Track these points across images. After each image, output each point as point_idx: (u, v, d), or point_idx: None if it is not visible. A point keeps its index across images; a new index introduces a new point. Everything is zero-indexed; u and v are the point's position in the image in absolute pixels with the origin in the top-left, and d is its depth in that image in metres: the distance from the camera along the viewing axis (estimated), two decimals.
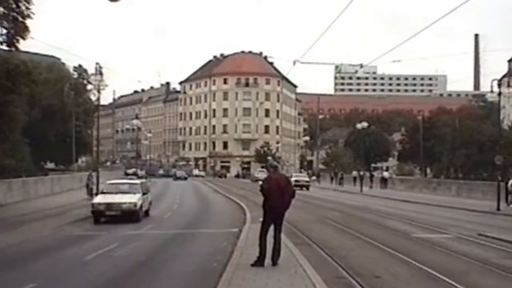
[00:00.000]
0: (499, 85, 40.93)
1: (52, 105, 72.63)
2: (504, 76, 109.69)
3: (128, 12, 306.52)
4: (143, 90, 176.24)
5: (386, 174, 74.96)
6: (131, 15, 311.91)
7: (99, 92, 41.99)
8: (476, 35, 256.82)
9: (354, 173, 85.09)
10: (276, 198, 14.02)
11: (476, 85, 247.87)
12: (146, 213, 30.62)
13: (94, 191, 40.53)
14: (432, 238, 21.84)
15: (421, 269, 14.99)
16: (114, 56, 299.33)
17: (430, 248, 19.29)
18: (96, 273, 15.28)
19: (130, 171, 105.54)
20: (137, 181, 32.07)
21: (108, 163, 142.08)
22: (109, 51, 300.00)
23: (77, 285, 14.19)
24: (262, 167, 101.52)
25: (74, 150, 72.66)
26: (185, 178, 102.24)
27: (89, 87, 78.76)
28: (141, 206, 28.72)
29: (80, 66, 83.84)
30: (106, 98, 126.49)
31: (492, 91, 42.40)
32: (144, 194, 29.97)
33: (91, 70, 55.31)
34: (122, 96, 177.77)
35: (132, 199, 28.38)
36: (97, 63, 39.55)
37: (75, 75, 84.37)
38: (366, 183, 69.64)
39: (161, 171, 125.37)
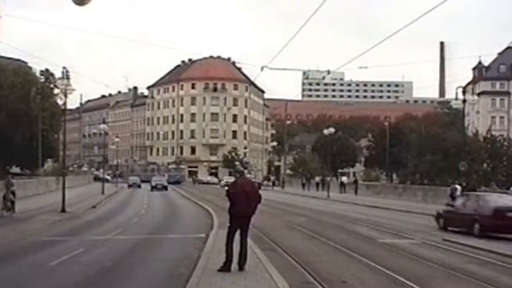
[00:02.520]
0: (464, 92, 41.55)
1: (18, 109, 71.78)
2: (468, 83, 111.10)
3: (96, 16, 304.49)
4: (110, 95, 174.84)
5: (344, 179, 75.99)
6: (98, 19, 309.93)
7: (66, 96, 41.53)
8: (442, 43, 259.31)
9: (317, 178, 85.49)
10: (242, 203, 14.06)
11: (442, 92, 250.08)
12: None
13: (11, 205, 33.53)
14: (398, 243, 22.03)
15: (387, 274, 15.11)
16: (82, 60, 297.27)
17: (396, 253, 19.47)
18: (62, 278, 15.20)
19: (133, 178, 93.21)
20: None
21: (75, 168, 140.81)
22: (77, 56, 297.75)
23: None
24: (230, 173, 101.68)
25: (40, 155, 71.94)
26: (165, 187, 78.25)
27: (56, 91, 77.68)
28: None
29: (47, 70, 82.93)
30: (73, 103, 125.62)
31: (457, 98, 42.93)
32: None
33: (58, 74, 54.78)
34: (89, 101, 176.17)
35: None
36: (64, 67, 39.11)
37: (42, 79, 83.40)
38: (334, 188, 70.09)
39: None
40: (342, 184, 71.15)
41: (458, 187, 46.16)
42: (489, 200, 27.48)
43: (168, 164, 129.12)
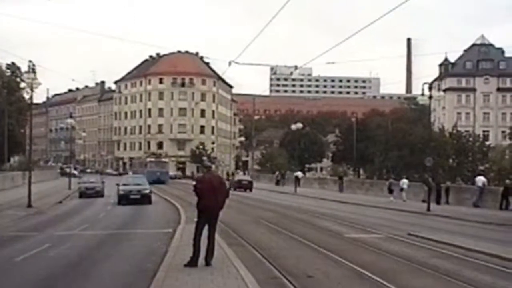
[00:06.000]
0: (430, 89, 41.87)
1: None
2: (435, 79, 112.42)
3: (63, 10, 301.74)
4: (77, 89, 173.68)
5: (299, 174, 75.74)
6: (65, 13, 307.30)
7: (32, 90, 41.23)
8: (409, 40, 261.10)
9: (277, 173, 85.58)
10: (210, 198, 14.10)
11: (408, 88, 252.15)
12: None
13: None
14: (364, 238, 22.20)
15: (353, 268, 15.24)
16: (48, 54, 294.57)
17: (362, 248, 19.61)
18: (28, 274, 15.11)
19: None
20: None
21: (42, 163, 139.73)
22: (43, 50, 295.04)
23: (9, 286, 14.00)
24: (198, 168, 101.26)
25: (6, 149, 71.35)
26: (146, 197, 42.41)
27: (22, 85, 77.18)
28: None
29: (13, 63, 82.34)
30: (39, 97, 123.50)
31: (423, 94, 43.23)
32: None
33: (24, 68, 54.41)
34: (56, 95, 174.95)
35: None
36: (30, 61, 38.84)
37: (8, 73, 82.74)
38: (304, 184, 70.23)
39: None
40: (296, 178, 70.72)
41: (406, 181, 50.26)
42: (237, 176, 75.58)
43: (147, 156, 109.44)
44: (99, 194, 51.30)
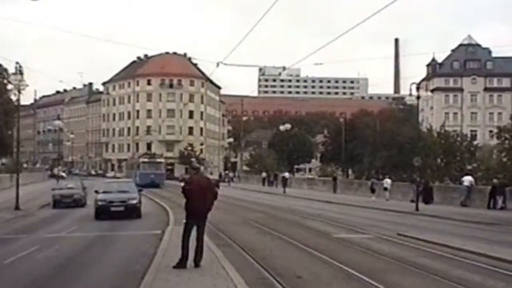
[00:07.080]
0: (418, 89, 41.99)
1: None
2: (422, 79, 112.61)
3: (50, 11, 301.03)
4: (65, 91, 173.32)
5: (286, 174, 75.64)
6: (53, 14, 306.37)
7: (19, 92, 41.05)
8: (396, 40, 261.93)
9: (264, 174, 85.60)
10: (198, 199, 14.10)
11: (396, 88, 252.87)
12: None
13: None
14: (353, 238, 22.21)
15: (342, 268, 15.24)
16: (36, 56, 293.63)
17: (351, 248, 19.62)
18: (15, 277, 15.04)
19: None
20: None
21: (30, 165, 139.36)
22: (31, 51, 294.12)
23: None
24: (186, 170, 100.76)
25: None
26: (133, 210, 31.73)
27: (9, 87, 76.87)
28: None
29: (0, 65, 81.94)
30: (27, 99, 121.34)
31: (411, 94, 43.42)
32: None
33: (11, 69, 54.19)
34: (43, 97, 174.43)
35: None
36: (17, 63, 38.67)
37: None
38: (290, 183, 70.20)
39: None
40: (284, 179, 70.55)
41: (389, 180, 52.13)
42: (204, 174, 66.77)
43: (139, 157, 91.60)
44: (79, 203, 41.16)
